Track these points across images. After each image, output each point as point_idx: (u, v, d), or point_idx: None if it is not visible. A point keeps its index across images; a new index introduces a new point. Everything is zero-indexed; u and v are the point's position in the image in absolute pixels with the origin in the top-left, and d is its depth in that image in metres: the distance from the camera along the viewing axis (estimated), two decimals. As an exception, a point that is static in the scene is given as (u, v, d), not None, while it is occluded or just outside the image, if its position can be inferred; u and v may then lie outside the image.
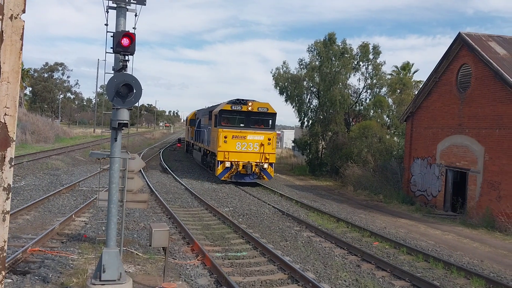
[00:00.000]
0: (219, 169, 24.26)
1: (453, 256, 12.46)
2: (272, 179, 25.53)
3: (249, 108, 24.44)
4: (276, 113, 25.30)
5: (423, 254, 12.04)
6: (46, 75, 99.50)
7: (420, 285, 9.63)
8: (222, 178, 24.25)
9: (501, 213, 16.56)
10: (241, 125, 24.70)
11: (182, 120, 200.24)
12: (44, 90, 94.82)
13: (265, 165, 24.29)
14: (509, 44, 19.88)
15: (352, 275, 10.17)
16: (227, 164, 24.10)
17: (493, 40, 19.81)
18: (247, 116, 24.73)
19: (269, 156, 24.38)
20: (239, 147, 24.06)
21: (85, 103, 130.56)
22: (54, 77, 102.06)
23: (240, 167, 24.12)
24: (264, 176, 24.49)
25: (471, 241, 14.82)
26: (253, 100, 25.28)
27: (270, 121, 25.18)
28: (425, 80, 23.13)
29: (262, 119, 25.04)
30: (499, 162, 17.16)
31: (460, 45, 19.68)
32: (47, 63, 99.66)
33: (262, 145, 24.17)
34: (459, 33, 19.57)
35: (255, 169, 24.10)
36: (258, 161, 24.17)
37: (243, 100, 24.87)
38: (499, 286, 9.71)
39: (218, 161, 24.28)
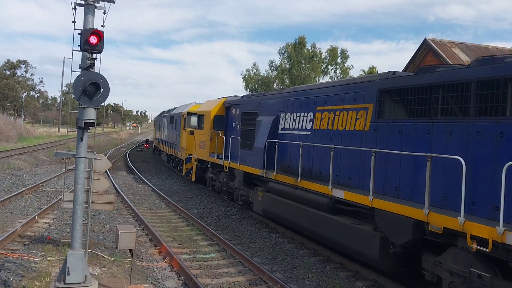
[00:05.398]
0: None
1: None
2: None
3: None
4: None
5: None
6: (8, 73, 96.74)
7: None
8: None
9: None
10: None
11: (150, 120, 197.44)
12: (6, 88, 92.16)
13: None
14: (471, 50, 20.54)
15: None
16: None
17: (456, 46, 20.42)
18: None
19: None
20: None
21: (49, 101, 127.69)
22: (17, 75, 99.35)
23: None
24: None
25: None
26: None
27: None
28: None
29: None
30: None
31: (426, 50, 20.19)
32: (9, 60, 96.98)
33: None
34: (425, 39, 20.09)
35: None
36: None
37: None
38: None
39: None
